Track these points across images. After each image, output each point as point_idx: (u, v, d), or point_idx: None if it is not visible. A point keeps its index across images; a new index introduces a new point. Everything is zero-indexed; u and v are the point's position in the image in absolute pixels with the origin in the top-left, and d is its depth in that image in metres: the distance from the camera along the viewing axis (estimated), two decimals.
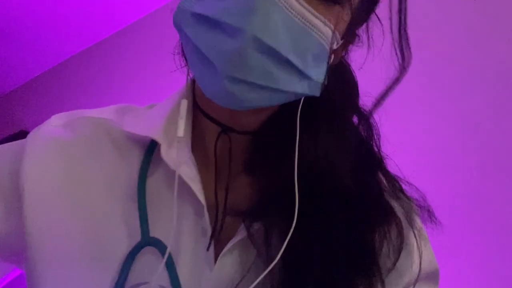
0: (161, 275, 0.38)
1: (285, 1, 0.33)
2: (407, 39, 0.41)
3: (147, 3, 2.22)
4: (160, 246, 0.40)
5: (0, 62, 2.72)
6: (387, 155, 0.44)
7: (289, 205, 0.38)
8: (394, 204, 0.43)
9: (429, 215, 0.43)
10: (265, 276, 0.36)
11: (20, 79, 2.90)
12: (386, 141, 0.44)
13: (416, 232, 0.43)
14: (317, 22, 0.35)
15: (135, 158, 0.44)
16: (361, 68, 0.46)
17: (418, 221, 0.44)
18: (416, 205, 0.44)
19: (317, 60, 0.37)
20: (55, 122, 0.47)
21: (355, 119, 0.46)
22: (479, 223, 1.06)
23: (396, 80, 0.42)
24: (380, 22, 0.42)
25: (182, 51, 0.45)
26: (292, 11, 0.34)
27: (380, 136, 0.45)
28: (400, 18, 0.40)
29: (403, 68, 0.41)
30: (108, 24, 2.38)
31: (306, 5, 0.35)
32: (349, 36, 0.41)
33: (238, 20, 0.32)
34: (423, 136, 1.19)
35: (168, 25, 1.87)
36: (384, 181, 0.44)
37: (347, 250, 0.38)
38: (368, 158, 0.44)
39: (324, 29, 0.36)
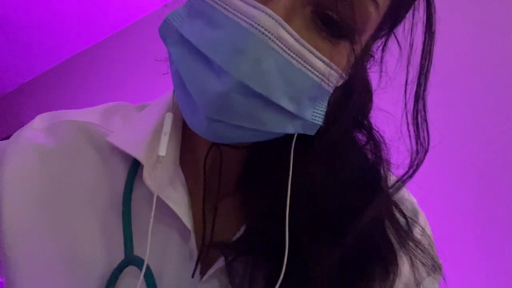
0: None
1: (281, 43, 0.29)
2: (425, 112, 0.34)
3: (147, 4, 2.22)
4: (140, 265, 0.36)
5: (0, 62, 2.72)
6: (394, 176, 0.39)
7: (277, 243, 0.34)
8: (396, 246, 0.37)
9: (433, 263, 0.38)
10: None
11: (20, 80, 2.90)
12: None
13: (416, 275, 0.38)
14: (318, 63, 0.31)
15: (119, 170, 0.41)
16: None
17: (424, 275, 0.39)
18: (420, 249, 0.38)
19: (314, 102, 0.33)
20: (38, 125, 0.44)
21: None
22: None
23: (410, 173, 0.35)
24: (399, 44, 0.36)
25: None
26: (289, 52, 0.30)
27: (389, 157, 0.38)
28: (419, 83, 0.34)
29: (417, 155, 0.35)
30: (107, 25, 2.38)
31: (306, 44, 0.30)
32: (361, 59, 0.36)
33: (226, 61, 0.28)
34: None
35: None
36: (388, 218, 0.38)
37: None
38: (372, 191, 0.38)
39: (326, 70, 0.31)
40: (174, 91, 0.38)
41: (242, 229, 0.38)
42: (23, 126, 0.44)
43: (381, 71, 0.38)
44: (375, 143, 0.39)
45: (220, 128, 0.31)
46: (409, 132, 0.35)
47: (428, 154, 0.35)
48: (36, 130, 0.43)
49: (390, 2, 0.32)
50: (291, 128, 0.33)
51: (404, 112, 0.34)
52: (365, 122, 0.40)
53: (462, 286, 1.02)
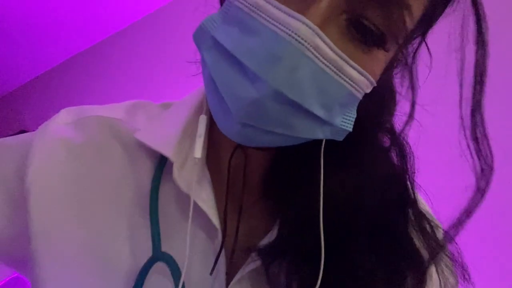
0: None
1: (316, 51, 0.29)
2: (484, 131, 0.32)
3: (148, 3, 2.22)
4: (171, 263, 0.37)
5: (0, 62, 2.72)
6: (419, 186, 0.39)
7: (311, 247, 0.35)
8: (422, 251, 0.38)
9: (462, 271, 0.38)
10: None
11: (20, 80, 2.90)
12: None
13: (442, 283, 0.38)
14: (351, 71, 0.31)
15: (146, 167, 0.41)
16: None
17: (449, 277, 0.39)
18: (449, 257, 0.38)
19: (344, 108, 0.33)
20: (64, 119, 0.44)
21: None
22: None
23: (472, 207, 0.35)
24: (429, 51, 0.36)
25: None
26: (324, 61, 0.30)
27: (414, 163, 0.38)
28: (475, 95, 0.32)
29: (486, 170, 0.33)
30: (108, 25, 2.38)
31: (341, 53, 0.30)
32: (390, 66, 0.36)
33: (261, 69, 0.29)
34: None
35: (168, 26, 1.87)
36: (414, 223, 0.39)
37: None
38: (399, 195, 0.38)
39: (358, 78, 0.31)
40: (205, 93, 0.40)
41: (275, 232, 0.38)
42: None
43: (411, 77, 0.37)
44: (400, 146, 0.39)
45: (251, 133, 0.32)
46: (469, 150, 0.33)
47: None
48: (63, 124, 0.43)
49: (423, 9, 0.32)
50: (321, 134, 0.33)
51: (461, 128, 0.32)
52: (389, 126, 0.40)
53: None
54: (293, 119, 0.31)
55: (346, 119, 0.33)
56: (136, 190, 0.40)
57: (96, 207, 0.40)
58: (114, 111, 0.45)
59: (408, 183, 0.38)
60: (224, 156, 0.41)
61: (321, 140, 0.35)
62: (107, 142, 0.42)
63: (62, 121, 0.44)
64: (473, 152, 0.33)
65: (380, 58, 0.32)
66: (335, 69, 0.30)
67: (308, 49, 0.29)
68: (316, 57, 0.29)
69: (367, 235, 0.36)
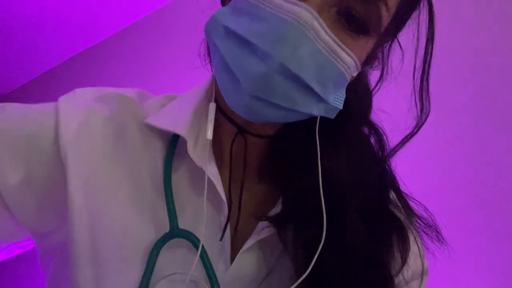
0: (188, 265, 0.40)
1: (314, 33, 0.35)
2: (427, 90, 0.43)
3: (148, 3, 2.22)
4: (191, 238, 0.41)
5: (0, 62, 2.72)
6: (395, 168, 0.47)
7: (312, 215, 0.40)
8: (402, 218, 0.45)
9: (436, 235, 0.45)
10: (292, 280, 0.39)
11: (20, 80, 2.90)
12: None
13: (419, 244, 0.46)
14: (342, 53, 0.37)
15: (158, 147, 0.45)
16: (378, 88, 0.47)
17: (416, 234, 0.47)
18: (424, 223, 0.45)
19: (336, 87, 0.39)
20: (84, 95, 0.47)
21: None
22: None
23: (412, 133, 0.44)
24: (401, 47, 0.45)
25: (208, 51, 0.46)
26: (320, 42, 0.36)
27: (389, 149, 0.46)
28: (424, 67, 0.43)
29: (421, 119, 0.44)
30: (108, 25, 2.38)
31: (334, 37, 0.36)
32: (369, 59, 0.43)
33: (269, 46, 0.34)
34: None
35: (168, 26, 1.87)
36: (395, 197, 0.46)
37: (367, 258, 0.41)
38: (381, 173, 0.46)
39: (347, 60, 0.38)
40: (213, 83, 0.46)
41: (279, 205, 0.43)
42: None
43: (383, 70, 0.46)
44: (378, 134, 0.46)
45: (259, 106, 0.36)
46: (416, 103, 0.44)
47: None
48: (85, 99, 0.46)
49: (396, 7, 0.39)
50: (316, 110, 0.39)
51: (412, 89, 0.43)
52: (368, 118, 0.47)
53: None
54: (295, 93, 0.36)
55: (337, 98, 0.39)
56: (150, 169, 0.44)
57: (119, 179, 0.43)
58: (127, 92, 0.49)
59: (387, 163, 0.46)
60: (225, 142, 0.46)
61: (314, 126, 0.41)
62: (126, 120, 0.45)
63: (83, 97, 0.47)
64: (418, 99, 0.44)
65: (363, 46, 0.39)
66: (329, 50, 0.36)
67: (308, 30, 0.35)
68: (314, 38, 0.35)
69: (358, 204, 0.42)
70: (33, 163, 0.41)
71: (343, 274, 0.40)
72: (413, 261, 0.45)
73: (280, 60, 0.34)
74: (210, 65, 0.47)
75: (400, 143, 0.45)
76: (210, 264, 0.40)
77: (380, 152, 0.46)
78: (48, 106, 0.45)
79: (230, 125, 0.45)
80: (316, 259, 0.38)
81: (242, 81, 0.36)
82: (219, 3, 0.45)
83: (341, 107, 0.39)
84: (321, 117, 0.41)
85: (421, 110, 0.44)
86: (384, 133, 0.47)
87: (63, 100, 0.45)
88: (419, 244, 0.46)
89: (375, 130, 0.47)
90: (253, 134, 0.45)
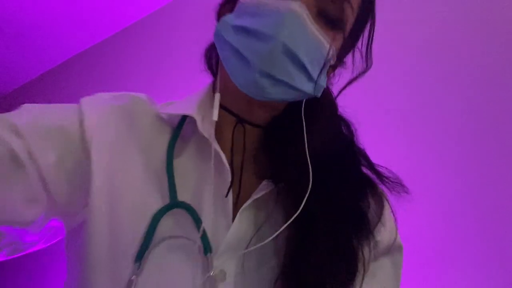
0: (190, 232, 0.47)
1: (304, 21, 0.46)
2: (371, 51, 0.56)
3: (148, 3, 2.22)
4: (188, 208, 0.48)
5: (1, 62, 2.72)
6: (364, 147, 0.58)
7: (302, 176, 0.49)
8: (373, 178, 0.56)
9: (401, 187, 0.55)
10: (283, 229, 0.47)
11: (21, 80, 2.90)
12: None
13: (392, 218, 0.55)
14: (323, 40, 0.48)
15: (165, 134, 0.54)
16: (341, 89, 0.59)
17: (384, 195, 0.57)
18: (391, 181, 0.55)
19: (321, 68, 0.49)
20: (102, 95, 0.56)
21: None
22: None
23: (358, 75, 0.56)
24: (361, 53, 0.57)
25: (207, 58, 0.58)
26: (308, 28, 0.46)
27: (356, 133, 0.57)
28: (369, 36, 0.57)
29: (366, 69, 0.56)
30: (108, 25, 2.38)
31: (317, 27, 0.47)
32: (339, 61, 0.55)
33: (272, 30, 0.44)
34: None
35: (168, 26, 1.86)
36: (366, 163, 0.56)
37: (347, 210, 0.50)
38: (353, 148, 0.56)
39: (327, 46, 0.49)
40: (215, 82, 0.56)
41: (275, 168, 0.52)
42: None
43: (341, 68, 0.58)
44: (345, 122, 0.58)
45: (265, 83, 0.46)
46: (362, 59, 0.56)
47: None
48: (105, 98, 0.56)
49: (358, 11, 0.52)
50: (307, 86, 0.48)
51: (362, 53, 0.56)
52: (336, 111, 0.59)
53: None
54: (292, 68, 0.46)
55: (321, 78, 0.50)
56: (158, 152, 0.52)
57: (131, 161, 0.51)
58: (139, 94, 0.59)
59: (356, 142, 0.57)
60: (226, 132, 0.55)
61: (298, 116, 0.51)
62: (139, 112, 0.55)
63: (102, 96, 0.56)
64: (364, 57, 0.56)
65: (337, 39, 0.50)
66: (314, 36, 0.47)
67: (300, 18, 0.45)
68: (305, 24, 0.46)
69: (336, 167, 0.52)
70: (64, 150, 0.48)
71: (326, 218, 0.48)
72: (385, 234, 0.53)
73: (281, 39, 0.44)
74: (209, 69, 0.58)
75: (347, 84, 0.56)
76: (204, 231, 0.47)
77: (349, 134, 0.57)
78: (72, 105, 0.53)
79: (230, 116, 0.54)
80: (304, 206, 0.46)
81: (251, 60, 0.45)
82: (213, 16, 0.56)
83: (324, 85, 0.50)
84: (305, 104, 0.52)
85: (366, 64, 0.56)
86: (351, 122, 0.58)
87: (85, 100, 0.54)
88: (392, 218, 0.55)
89: (344, 120, 0.58)
90: (250, 123, 0.54)
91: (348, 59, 0.58)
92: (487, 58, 1.16)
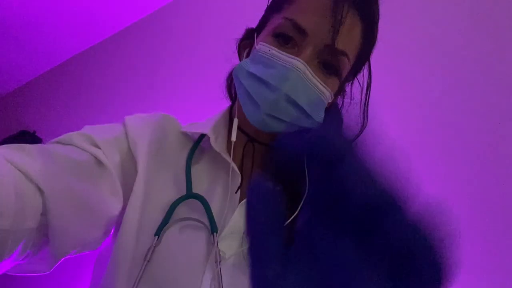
0: (201, 217, 0.58)
1: (305, 76, 0.56)
2: (367, 112, 0.67)
3: (148, 4, 2.22)
4: (200, 198, 0.60)
5: (0, 62, 2.72)
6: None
7: (301, 180, 0.56)
8: None
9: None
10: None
11: (21, 80, 2.90)
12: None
13: None
14: (322, 88, 0.58)
15: (187, 147, 0.67)
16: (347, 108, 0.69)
17: None
18: None
19: (318, 108, 0.59)
20: (140, 114, 0.69)
21: None
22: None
23: (356, 137, 0.57)
24: (360, 84, 0.68)
25: (227, 87, 0.72)
26: (309, 81, 0.56)
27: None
28: (366, 96, 0.68)
29: (362, 128, 0.64)
30: (108, 25, 2.39)
31: (317, 78, 0.57)
32: (339, 91, 0.65)
33: (278, 83, 0.55)
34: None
35: (168, 26, 1.86)
36: None
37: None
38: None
39: (325, 92, 0.59)
40: (232, 107, 0.70)
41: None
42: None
43: (348, 97, 0.69)
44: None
45: (270, 121, 0.57)
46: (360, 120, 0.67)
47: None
48: (142, 116, 0.68)
49: (355, 58, 0.61)
50: (305, 123, 0.58)
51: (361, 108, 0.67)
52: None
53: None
54: (293, 111, 0.57)
55: (319, 116, 0.59)
56: (181, 160, 0.65)
57: (161, 165, 0.64)
58: (169, 115, 0.72)
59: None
60: (237, 149, 0.65)
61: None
62: (168, 128, 0.69)
63: (140, 115, 0.69)
64: (362, 116, 0.66)
65: (334, 83, 0.60)
66: (314, 86, 0.58)
67: (301, 73, 0.56)
68: (305, 78, 0.56)
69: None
70: (122, 154, 0.61)
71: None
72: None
73: (285, 91, 0.55)
74: (229, 96, 0.72)
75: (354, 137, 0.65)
76: (212, 215, 0.57)
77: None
78: (118, 124, 0.67)
79: (242, 136, 0.66)
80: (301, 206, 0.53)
81: (260, 104, 0.56)
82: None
83: (321, 121, 0.59)
84: None
85: (362, 124, 0.66)
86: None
87: (127, 117, 0.67)
88: None
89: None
90: (259, 142, 0.66)
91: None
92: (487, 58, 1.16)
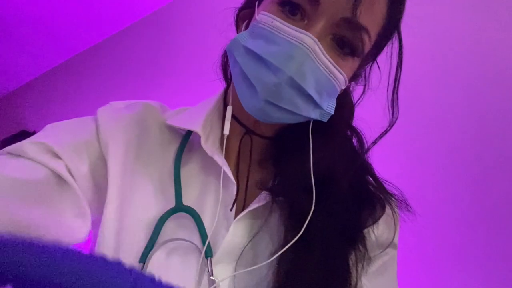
0: (192, 235, 0.50)
1: (315, 54, 0.44)
2: (397, 100, 0.55)
3: (148, 4, 2.22)
4: (192, 212, 0.50)
5: (0, 62, 2.72)
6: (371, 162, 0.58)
7: (303, 192, 0.49)
8: (379, 196, 0.56)
9: (406, 206, 0.56)
10: (272, 241, 0.49)
11: (21, 80, 2.91)
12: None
13: (395, 215, 0.56)
14: (335, 71, 0.47)
15: (173, 143, 0.56)
16: (359, 100, 0.58)
17: (396, 209, 0.57)
18: (396, 199, 0.56)
19: (329, 96, 0.49)
20: (116, 104, 0.59)
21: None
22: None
23: (385, 132, 0.55)
24: (379, 68, 0.55)
25: (222, 66, 0.59)
26: (319, 61, 0.45)
27: (367, 147, 0.57)
28: (395, 84, 0.54)
29: (392, 121, 0.55)
30: (108, 25, 2.39)
31: (329, 58, 0.46)
32: (354, 76, 0.53)
33: (280, 63, 0.43)
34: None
35: (168, 27, 1.86)
36: (372, 181, 0.57)
37: (346, 226, 0.51)
38: (360, 164, 0.56)
39: (339, 76, 0.47)
40: (227, 91, 0.57)
41: (276, 181, 0.53)
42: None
43: (365, 86, 0.56)
44: (358, 135, 0.57)
45: (270, 110, 0.46)
46: (388, 110, 0.55)
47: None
48: (119, 107, 0.58)
49: (377, 36, 0.49)
50: (313, 114, 0.48)
51: (387, 98, 0.55)
52: (350, 122, 0.58)
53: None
54: (298, 100, 0.46)
55: (330, 105, 0.49)
56: (165, 160, 0.55)
57: (141, 167, 0.54)
58: (152, 102, 0.60)
59: (365, 157, 0.57)
60: (233, 141, 0.56)
61: (307, 127, 0.51)
62: (150, 121, 0.57)
63: (116, 105, 0.58)
64: (390, 108, 0.55)
65: (350, 66, 0.48)
66: (325, 68, 0.46)
67: (310, 52, 0.44)
68: (315, 58, 0.45)
69: (342, 184, 0.52)
70: (91, 162, 0.52)
71: (325, 238, 0.49)
72: (384, 231, 0.55)
73: (289, 73, 0.43)
74: (224, 78, 0.59)
75: (374, 141, 0.56)
76: (205, 234, 0.49)
77: (360, 149, 0.57)
78: (90, 118, 0.57)
79: (239, 127, 0.55)
80: (303, 223, 0.47)
81: (258, 89, 0.45)
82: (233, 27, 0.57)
83: (332, 113, 0.49)
84: (313, 120, 0.50)
85: (392, 115, 0.55)
86: (363, 135, 0.57)
87: (100, 110, 0.57)
88: (396, 221, 0.56)
89: (356, 132, 0.57)
90: (258, 135, 0.55)
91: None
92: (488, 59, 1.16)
